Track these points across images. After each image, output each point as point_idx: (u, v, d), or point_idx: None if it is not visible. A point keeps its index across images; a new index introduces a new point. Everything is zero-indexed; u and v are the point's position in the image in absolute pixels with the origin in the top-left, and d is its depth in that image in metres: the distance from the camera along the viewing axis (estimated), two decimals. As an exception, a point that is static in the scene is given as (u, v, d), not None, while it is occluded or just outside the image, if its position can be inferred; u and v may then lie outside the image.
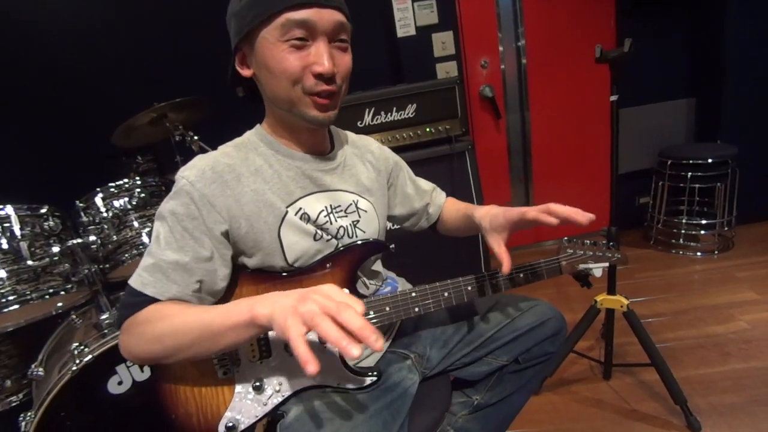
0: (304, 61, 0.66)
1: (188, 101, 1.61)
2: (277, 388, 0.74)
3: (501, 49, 2.41)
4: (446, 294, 0.79)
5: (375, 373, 0.77)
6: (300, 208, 0.74)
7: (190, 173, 0.68)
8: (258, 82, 0.73)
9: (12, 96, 2.05)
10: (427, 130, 1.81)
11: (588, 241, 0.90)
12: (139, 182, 1.34)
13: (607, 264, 0.89)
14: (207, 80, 2.11)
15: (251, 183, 0.71)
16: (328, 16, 0.65)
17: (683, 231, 2.40)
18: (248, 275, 0.75)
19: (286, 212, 0.72)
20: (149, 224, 1.32)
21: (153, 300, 0.64)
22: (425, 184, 1.02)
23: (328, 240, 0.77)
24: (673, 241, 2.44)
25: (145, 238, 1.32)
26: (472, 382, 0.94)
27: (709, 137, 2.51)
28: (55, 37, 2.04)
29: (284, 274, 0.75)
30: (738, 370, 1.48)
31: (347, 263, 0.77)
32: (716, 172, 2.23)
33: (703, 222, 2.40)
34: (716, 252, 2.32)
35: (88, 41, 2.08)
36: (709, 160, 2.22)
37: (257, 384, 0.73)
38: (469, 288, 0.80)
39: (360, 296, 0.77)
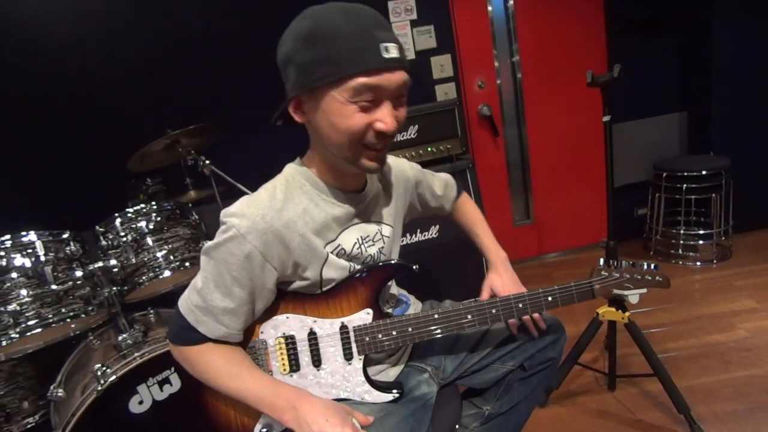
0: (369, 118, 0.68)
1: (201, 128, 1.67)
2: None
3: (497, 65, 2.50)
4: (469, 317, 0.82)
5: (398, 390, 0.82)
6: (338, 245, 0.79)
7: (242, 223, 0.68)
8: (311, 127, 0.74)
9: (24, 123, 2.12)
10: (429, 149, 1.88)
11: (626, 262, 0.84)
12: (155, 207, 1.40)
13: (645, 290, 0.83)
14: (218, 105, 2.22)
15: (299, 227, 0.73)
16: (396, 79, 0.66)
17: (682, 241, 2.45)
18: (283, 294, 0.80)
19: (327, 255, 0.77)
20: (165, 247, 1.37)
21: (204, 336, 0.73)
22: (438, 187, 1.08)
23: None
24: (672, 251, 2.49)
25: (161, 260, 1.37)
26: (481, 391, 0.99)
27: (701, 149, 2.58)
28: (73, 66, 2.12)
29: (312, 295, 0.80)
30: (739, 378, 1.51)
31: (373, 284, 0.81)
32: (711, 183, 2.29)
33: (701, 232, 2.45)
34: (715, 261, 2.36)
35: (104, 69, 2.16)
36: (703, 172, 2.29)
37: None
38: (494, 311, 0.84)
39: (384, 315, 0.82)
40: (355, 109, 0.66)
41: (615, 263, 0.85)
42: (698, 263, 2.38)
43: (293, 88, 0.69)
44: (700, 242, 2.47)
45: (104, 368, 1.08)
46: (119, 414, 1.06)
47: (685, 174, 2.31)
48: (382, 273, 0.82)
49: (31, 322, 1.18)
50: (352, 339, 0.80)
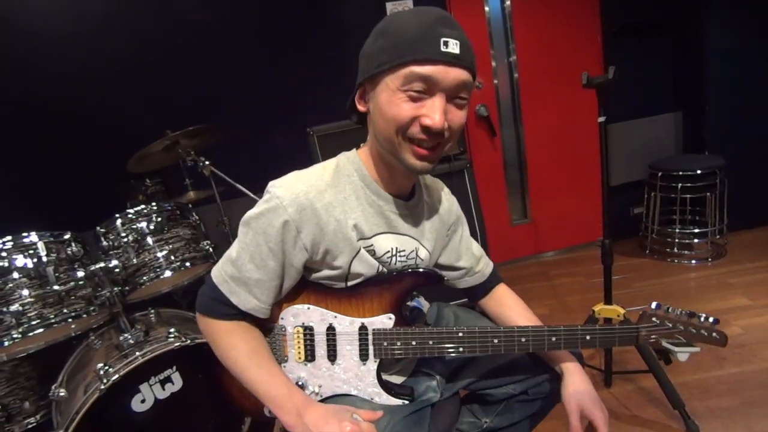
0: (417, 111, 0.67)
1: (200, 129, 1.68)
2: (316, 390, 0.81)
3: (494, 64, 2.52)
4: (495, 341, 0.78)
5: (408, 396, 0.81)
6: (371, 245, 0.78)
7: (285, 194, 0.70)
8: (369, 118, 0.75)
9: (25, 124, 2.13)
10: (427, 149, 1.89)
11: (682, 311, 0.74)
12: (155, 207, 1.41)
13: (698, 348, 0.72)
14: (218, 106, 2.23)
15: (337, 213, 0.73)
16: (453, 75, 0.65)
17: (677, 240, 2.48)
18: (301, 283, 0.80)
19: (360, 248, 0.76)
20: (166, 247, 1.39)
21: (236, 308, 0.74)
22: (476, 249, 0.99)
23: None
24: (668, 249, 2.51)
25: (162, 260, 1.38)
26: (481, 401, 0.97)
27: (696, 149, 2.61)
28: (74, 68, 2.12)
29: (336, 289, 0.80)
30: (733, 374, 1.53)
31: (399, 289, 0.80)
32: (705, 182, 2.31)
33: (696, 231, 2.48)
34: (710, 259, 2.39)
35: (104, 70, 2.16)
36: (698, 171, 2.31)
37: (300, 383, 0.80)
38: (523, 340, 0.78)
39: (405, 323, 0.80)
40: (404, 98, 0.66)
41: (670, 310, 0.74)
42: (693, 261, 2.41)
43: (360, 76, 0.73)
44: (695, 241, 2.49)
45: (107, 367, 1.10)
46: (122, 413, 1.08)
47: (680, 173, 2.34)
48: (410, 280, 0.80)
49: (33, 323, 1.19)
50: (370, 341, 0.79)
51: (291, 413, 0.71)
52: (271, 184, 0.73)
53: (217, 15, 2.24)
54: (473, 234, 1.90)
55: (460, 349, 0.78)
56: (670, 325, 0.73)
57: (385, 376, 0.84)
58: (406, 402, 0.81)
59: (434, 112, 0.66)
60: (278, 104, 2.34)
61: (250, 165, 1.81)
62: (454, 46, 0.65)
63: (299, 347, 0.80)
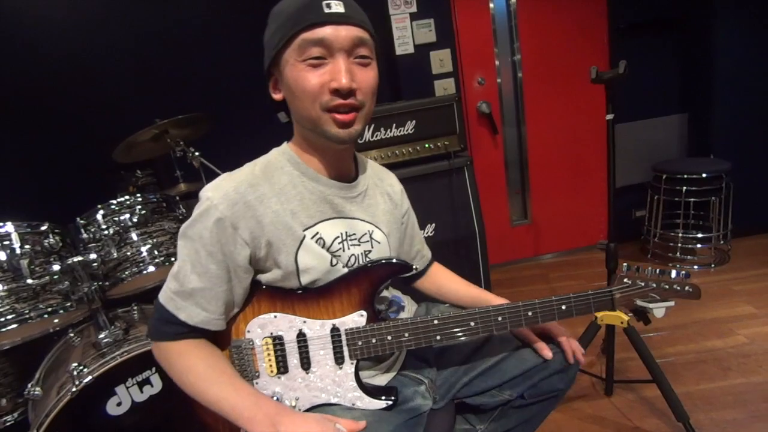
0: (322, 78, 0.66)
1: (190, 118, 1.62)
2: (293, 403, 0.75)
3: (497, 63, 2.46)
4: (472, 324, 0.77)
5: (391, 397, 0.76)
6: (317, 233, 0.74)
7: (215, 194, 0.68)
8: (288, 105, 0.75)
9: (11, 110, 2.06)
10: (426, 146, 1.83)
11: (652, 269, 0.76)
12: (140, 199, 1.34)
13: (673, 302, 0.74)
14: (208, 96, 2.16)
15: (273, 204, 0.71)
16: (345, 33, 0.66)
17: (680, 244, 2.43)
18: (265, 292, 0.76)
19: (304, 236, 0.73)
20: (150, 241, 1.32)
21: (185, 325, 0.69)
22: (419, 232, 1.02)
23: (341, 268, 0.77)
24: (670, 254, 2.46)
25: (145, 255, 1.32)
26: (476, 409, 0.92)
27: (702, 152, 2.55)
28: (57, 53, 2.06)
29: (299, 291, 0.75)
30: (738, 385, 1.48)
31: (369, 283, 0.76)
32: (711, 186, 2.26)
33: (699, 236, 2.42)
34: (713, 265, 2.34)
35: (90, 56, 2.10)
36: (704, 175, 2.25)
37: (276, 397, 0.74)
38: (500, 319, 0.77)
39: (379, 318, 0.77)
40: (305, 67, 0.67)
41: (640, 270, 0.75)
42: (696, 267, 2.35)
43: (265, 65, 0.73)
44: (698, 246, 2.44)
45: (81, 368, 1.03)
46: (96, 416, 1.02)
47: (685, 176, 2.28)
48: (379, 272, 0.76)
49: (7, 318, 1.13)
50: (344, 342, 0.75)
51: (264, 424, 0.65)
52: (202, 190, 0.70)
53: (212, 2, 2.17)
54: (473, 233, 1.88)
55: (438, 338, 0.76)
56: (643, 284, 0.74)
57: (366, 380, 0.79)
58: (390, 403, 0.75)
59: (337, 74, 0.66)
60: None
61: (241, 157, 1.73)
62: (337, 6, 0.66)
63: (270, 360, 0.75)
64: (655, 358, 1.33)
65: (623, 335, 1.37)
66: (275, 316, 0.74)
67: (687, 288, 0.74)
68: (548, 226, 2.72)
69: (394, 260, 0.78)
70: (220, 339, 0.75)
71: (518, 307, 0.78)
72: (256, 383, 0.75)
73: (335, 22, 0.65)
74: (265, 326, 0.75)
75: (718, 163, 2.31)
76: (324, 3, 0.65)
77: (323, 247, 0.75)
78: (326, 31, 0.65)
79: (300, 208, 0.73)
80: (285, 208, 0.72)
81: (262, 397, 0.70)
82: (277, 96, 0.75)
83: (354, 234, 0.79)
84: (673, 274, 0.75)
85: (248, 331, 0.75)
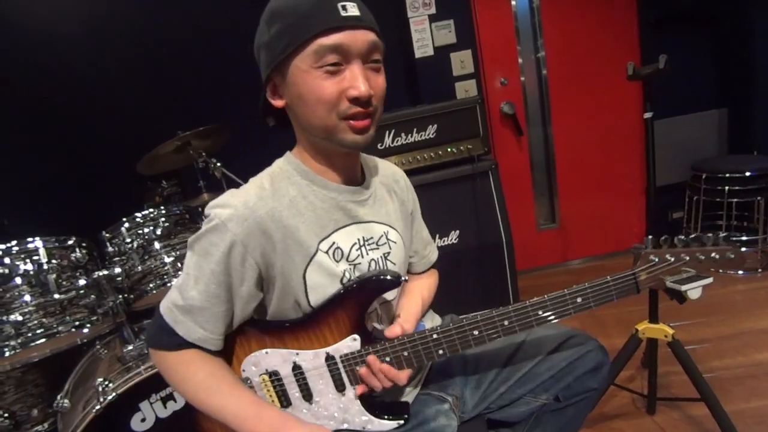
0: (340, 86, 0.63)
1: (211, 129, 1.62)
2: None
3: (520, 61, 2.38)
4: (476, 333, 0.72)
5: (403, 416, 0.73)
6: (333, 242, 0.71)
7: (223, 212, 0.65)
8: (290, 112, 0.71)
9: (38, 125, 2.12)
10: (449, 150, 1.78)
11: (683, 238, 0.64)
12: (163, 211, 1.35)
13: (710, 279, 0.61)
14: (230, 107, 2.17)
15: (284, 218, 0.68)
16: (361, 38, 0.62)
17: (721, 248, 2.28)
18: (251, 329, 0.73)
19: (317, 251, 0.70)
20: (173, 253, 1.32)
21: (182, 340, 0.67)
22: (427, 233, 0.98)
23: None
24: (711, 258, 2.31)
25: (169, 268, 1.32)
26: (509, 423, 0.88)
27: (743, 149, 2.40)
28: (81, 67, 2.11)
29: (287, 324, 0.72)
30: (795, 403, 1.36)
31: (355, 306, 0.71)
32: (755, 185, 2.11)
33: (744, 238, 2.27)
34: (760, 270, 2.18)
35: (114, 71, 2.14)
36: (747, 173, 2.11)
37: None
38: (506, 323, 0.71)
39: (375, 340, 0.73)
40: (321, 75, 0.62)
41: (669, 241, 0.63)
42: (741, 272, 2.20)
43: (264, 70, 0.68)
44: (743, 249, 2.28)
45: (106, 382, 1.03)
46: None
47: (727, 175, 2.14)
48: (363, 292, 0.71)
49: (36, 332, 1.14)
50: (341, 369, 0.72)
51: None
52: (208, 206, 0.68)
53: (229, 11, 2.18)
54: (498, 239, 1.81)
55: (440, 352, 0.72)
56: (672, 259, 0.63)
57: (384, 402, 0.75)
58: (401, 423, 0.72)
59: (356, 81, 0.63)
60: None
61: (262, 166, 1.73)
62: (353, 8, 0.62)
63: (271, 395, 0.73)
64: (701, 372, 1.24)
65: (665, 346, 1.28)
66: (266, 352, 0.72)
67: (728, 254, 0.63)
68: (577, 230, 2.61)
69: (373, 278, 0.72)
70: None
71: (526, 307, 0.71)
72: None
73: (352, 26, 0.62)
74: (258, 363, 0.72)
75: (763, 160, 2.16)
76: (339, 5, 0.61)
77: (341, 257, 0.72)
78: (344, 37, 0.61)
79: (313, 219, 0.70)
80: (297, 222, 0.69)
81: (265, 405, 0.68)
82: (278, 103, 0.70)
83: (371, 238, 0.76)
84: (709, 238, 0.64)
85: (243, 370, 0.73)
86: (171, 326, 0.67)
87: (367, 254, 0.74)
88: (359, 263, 0.73)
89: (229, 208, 0.66)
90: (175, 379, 0.69)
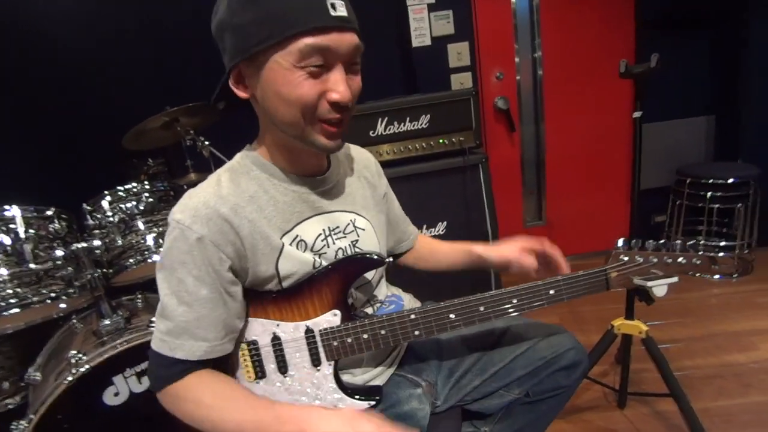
0: (320, 87, 0.61)
1: (200, 106, 1.59)
2: None
3: (517, 60, 2.38)
4: (452, 316, 0.73)
5: (374, 398, 0.74)
6: (296, 236, 0.71)
7: (184, 216, 0.63)
8: (257, 104, 0.67)
9: (22, 96, 2.06)
10: (441, 141, 1.78)
11: (653, 243, 0.69)
12: (147, 187, 1.33)
13: (676, 278, 0.66)
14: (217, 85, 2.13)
15: (248, 213, 0.66)
16: (347, 41, 0.60)
17: (701, 252, 2.33)
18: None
19: (282, 245, 0.69)
20: (155, 229, 1.30)
21: (186, 362, 0.64)
22: (403, 214, 0.99)
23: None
24: (690, 262, 2.36)
25: (150, 243, 1.30)
26: (483, 415, 0.89)
27: (728, 156, 2.44)
28: (67, 39, 2.05)
29: (273, 294, 0.71)
30: (760, 404, 1.40)
31: (339, 281, 0.72)
32: (737, 192, 2.16)
33: (722, 244, 2.32)
34: (735, 275, 2.24)
35: (101, 43, 2.09)
36: (730, 180, 2.16)
37: None
38: (482, 309, 0.73)
39: (355, 317, 0.74)
40: (303, 75, 0.59)
41: (639, 244, 0.69)
42: (717, 276, 2.26)
43: (232, 56, 0.62)
44: (720, 254, 2.34)
45: (80, 355, 1.01)
46: (92, 406, 1.00)
47: (711, 181, 2.18)
48: (348, 268, 0.73)
49: (10, 301, 1.12)
50: (319, 343, 0.71)
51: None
52: (170, 214, 0.65)
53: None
54: (485, 233, 1.82)
55: (416, 333, 0.73)
56: (641, 260, 0.68)
57: (347, 379, 0.76)
58: (372, 404, 0.72)
59: (339, 86, 0.61)
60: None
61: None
62: (341, 8, 0.59)
63: (246, 365, 0.72)
64: (672, 370, 1.27)
65: (639, 345, 1.31)
66: (248, 321, 0.72)
67: (695, 260, 0.66)
68: (563, 228, 2.64)
69: (359, 256, 0.74)
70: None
71: (501, 295, 0.73)
72: None
73: (340, 28, 0.59)
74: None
75: (746, 168, 2.20)
76: (329, 3, 0.58)
77: (305, 249, 0.71)
78: (330, 40, 0.58)
79: (275, 213, 0.69)
80: (260, 216, 0.67)
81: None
82: (243, 94, 0.66)
83: (338, 227, 0.75)
84: (677, 246, 0.68)
85: None
86: (170, 356, 0.64)
87: (334, 243, 0.74)
88: (325, 253, 0.73)
89: (188, 211, 0.63)
90: (186, 411, 0.65)
